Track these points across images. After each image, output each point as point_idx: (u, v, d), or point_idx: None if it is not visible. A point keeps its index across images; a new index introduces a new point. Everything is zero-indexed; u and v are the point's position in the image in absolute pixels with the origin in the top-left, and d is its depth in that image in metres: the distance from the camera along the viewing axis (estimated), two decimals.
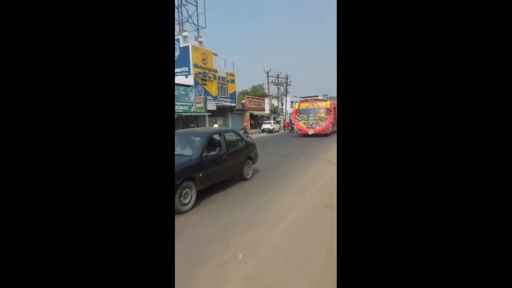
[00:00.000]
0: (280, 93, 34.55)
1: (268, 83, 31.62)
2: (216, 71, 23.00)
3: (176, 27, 22.19)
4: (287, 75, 33.10)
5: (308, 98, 20.98)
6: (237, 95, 26.46)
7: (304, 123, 18.66)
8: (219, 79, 23.38)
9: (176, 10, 22.16)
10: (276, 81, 32.39)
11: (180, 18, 22.27)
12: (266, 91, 34.38)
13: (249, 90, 41.91)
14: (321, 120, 18.09)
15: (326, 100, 19.15)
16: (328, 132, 18.09)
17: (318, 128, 18.05)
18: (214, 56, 23.04)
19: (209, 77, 22.19)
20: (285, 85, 33.35)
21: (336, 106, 18.00)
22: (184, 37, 21.02)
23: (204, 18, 32.84)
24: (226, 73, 24.40)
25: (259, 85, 43.28)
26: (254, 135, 21.52)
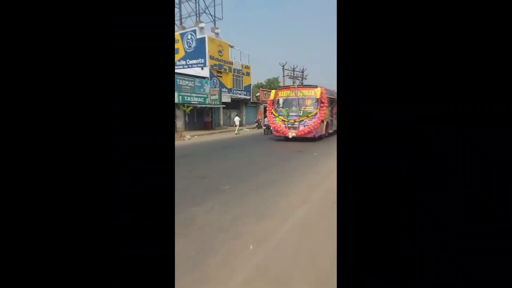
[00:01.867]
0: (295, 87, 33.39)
1: (283, 76, 31.31)
2: (231, 63, 22.94)
3: (193, 18, 22.18)
4: (303, 69, 32.42)
5: (290, 86, 14.36)
6: (252, 88, 26.31)
7: (283, 120, 12.24)
8: (234, 72, 23.25)
9: (193, 1, 22.12)
10: (292, 75, 31.99)
11: (197, 9, 22.23)
12: (281, 84, 33.66)
13: (264, 83, 41.60)
14: (307, 116, 11.70)
15: (315, 87, 12.18)
16: (318, 134, 11.97)
17: (302, 129, 11.73)
18: (230, 48, 22.93)
19: (225, 69, 22.11)
20: (300, 78, 32.91)
21: (332, 97, 13.14)
22: (201, 28, 21.00)
23: (221, 9, 32.49)
24: (242, 66, 24.27)
25: (274, 78, 42.74)
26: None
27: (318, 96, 11.84)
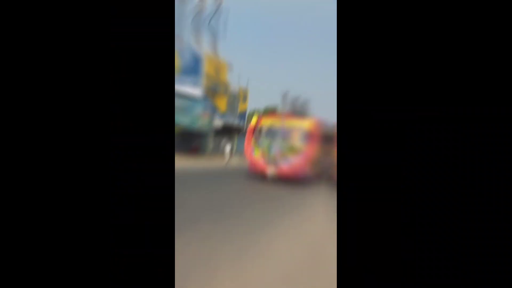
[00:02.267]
0: None
1: (283, 106, 29.70)
2: (228, 85, 21.07)
3: (193, 32, 21.06)
4: (304, 101, 30.97)
5: (277, 112, 11.73)
6: (247, 115, 23.85)
7: (262, 153, 9.60)
8: (230, 95, 21.29)
9: (195, 15, 20.99)
10: (293, 108, 30.29)
11: (199, 24, 21.34)
12: None
13: (261, 111, 39.91)
14: (292, 151, 9.28)
15: (305, 118, 10.28)
16: (302, 177, 9.16)
17: (284, 167, 9.03)
18: (228, 69, 21.21)
19: (219, 91, 20.23)
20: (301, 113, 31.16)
21: (331, 133, 10.43)
22: (199, 44, 20.16)
23: (225, 26, 31.42)
24: (239, 89, 22.33)
25: (273, 107, 40.79)
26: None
27: (309, 129, 9.33)
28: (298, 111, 10.18)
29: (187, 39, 20.29)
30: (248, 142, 10.19)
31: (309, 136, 9.39)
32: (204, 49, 19.96)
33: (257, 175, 9.54)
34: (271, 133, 10.03)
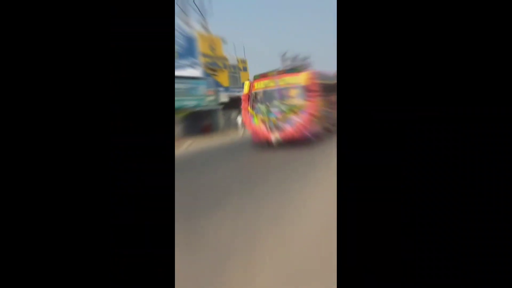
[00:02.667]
0: None
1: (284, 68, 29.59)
2: (226, 59, 21.05)
3: (180, 15, 21.38)
4: (305, 57, 30.61)
5: (268, 73, 9.85)
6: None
7: (262, 119, 8.88)
8: (230, 68, 21.37)
9: None
10: (293, 64, 30.17)
11: (183, 4, 21.29)
12: None
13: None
14: (293, 111, 8.45)
15: (300, 72, 8.76)
16: (309, 136, 8.33)
17: (288, 129, 8.33)
18: (222, 43, 21.18)
19: (219, 67, 20.34)
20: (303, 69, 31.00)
21: (327, 82, 9.75)
22: (189, 25, 20.24)
23: (210, 2, 31.19)
24: (238, 60, 22.30)
25: (275, 70, 40.22)
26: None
27: (305, 83, 8.37)
28: (299, 69, 8.91)
29: (176, 23, 20.07)
30: (245, 111, 9.54)
31: (307, 91, 8.42)
32: (195, 29, 19.83)
33: (262, 144, 8.92)
34: (267, 96, 9.11)
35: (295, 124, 8.31)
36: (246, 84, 9.70)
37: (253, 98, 9.39)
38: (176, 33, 20.01)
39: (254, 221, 3.37)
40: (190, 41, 19.69)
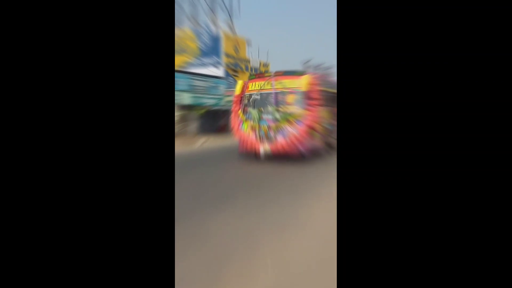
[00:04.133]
0: None
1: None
2: (248, 61, 21.15)
3: (208, 14, 21.43)
4: (329, 66, 30.79)
5: (265, 73, 8.88)
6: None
7: (252, 127, 7.52)
8: (251, 70, 21.10)
9: None
10: (316, 73, 30.28)
11: (212, 4, 21.46)
12: None
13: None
14: (288, 120, 7.09)
15: (301, 75, 7.39)
16: (303, 152, 7.08)
17: (280, 141, 7.02)
18: (247, 45, 21.36)
19: (241, 68, 20.30)
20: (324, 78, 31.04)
21: (332, 90, 8.32)
22: (216, 24, 20.24)
23: (239, 2, 31.51)
24: (260, 63, 22.22)
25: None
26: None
27: (305, 88, 7.06)
28: (300, 71, 7.63)
29: (203, 21, 20.18)
30: (235, 115, 8.07)
31: (307, 98, 7.09)
32: (221, 28, 19.85)
33: (249, 154, 7.62)
34: (261, 100, 7.79)
35: (288, 135, 6.97)
36: (239, 84, 8.31)
37: (245, 100, 8.10)
38: (202, 31, 20.15)
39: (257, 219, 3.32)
40: (215, 40, 19.74)
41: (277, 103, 7.41)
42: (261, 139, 7.27)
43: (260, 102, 7.77)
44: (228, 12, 21.86)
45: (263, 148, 7.12)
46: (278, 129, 7.11)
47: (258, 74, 8.61)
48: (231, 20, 21.63)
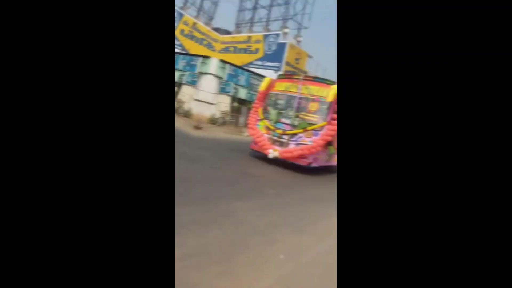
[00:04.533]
0: None
1: None
2: (306, 73, 21.88)
3: (279, 23, 22.53)
4: None
5: (294, 75, 8.38)
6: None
7: (268, 128, 7.29)
8: None
9: (283, 6, 22.54)
10: None
11: (285, 14, 22.58)
12: None
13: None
14: (305, 129, 6.75)
15: (330, 85, 6.78)
16: (313, 165, 6.82)
17: (292, 149, 6.70)
18: (308, 58, 22.41)
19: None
20: None
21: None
22: (285, 34, 21.21)
23: (309, 18, 32.24)
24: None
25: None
26: None
27: (331, 99, 6.51)
28: (331, 81, 7.10)
29: (274, 28, 20.99)
30: (255, 110, 7.85)
31: (331, 110, 6.56)
32: (288, 38, 20.68)
33: (260, 153, 7.34)
34: (284, 102, 7.47)
35: (302, 145, 6.65)
36: (265, 81, 8.03)
37: (268, 99, 7.87)
38: (271, 37, 21.22)
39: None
40: (280, 47, 20.66)
41: (299, 109, 7.08)
42: (273, 141, 7.08)
43: (282, 104, 7.48)
44: (298, 25, 22.74)
45: (272, 151, 6.83)
46: (292, 136, 6.89)
47: (288, 74, 8.59)
48: (299, 33, 22.55)
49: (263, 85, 7.98)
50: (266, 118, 7.50)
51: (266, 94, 7.89)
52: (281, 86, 7.73)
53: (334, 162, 7.54)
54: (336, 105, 6.47)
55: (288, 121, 7.15)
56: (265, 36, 22.39)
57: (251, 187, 4.93)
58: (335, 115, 6.54)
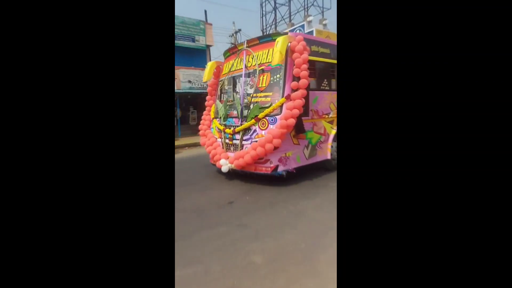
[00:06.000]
0: None
1: None
2: None
3: (301, 13, 22.32)
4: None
5: (239, 44, 5.17)
6: None
7: (218, 128, 4.98)
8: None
9: None
10: None
11: (306, 3, 22.34)
12: None
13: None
14: (257, 116, 4.22)
15: (279, 35, 4.14)
16: (290, 165, 4.31)
17: (242, 152, 4.32)
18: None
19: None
20: None
21: (324, 60, 4.80)
22: (309, 22, 21.02)
23: None
24: None
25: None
26: None
27: (279, 60, 4.07)
28: (277, 34, 4.54)
29: (297, 20, 20.73)
30: (208, 110, 5.79)
31: (287, 73, 4.27)
32: (314, 25, 20.38)
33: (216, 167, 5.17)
34: (230, 87, 5.21)
35: (257, 141, 4.28)
36: (208, 67, 5.64)
37: (220, 89, 5.56)
38: (296, 31, 21.14)
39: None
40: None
41: (247, 90, 4.71)
42: (226, 146, 4.88)
43: (229, 92, 5.21)
44: (321, 8, 22.22)
45: (224, 163, 4.61)
46: (245, 132, 4.53)
47: (231, 48, 5.50)
48: (323, 16, 22.00)
49: (206, 74, 5.61)
50: (216, 117, 5.36)
51: (216, 84, 5.75)
52: (228, 67, 5.41)
53: (325, 155, 5.00)
54: (293, 69, 4.20)
55: (235, 112, 4.83)
56: (291, 32, 21.87)
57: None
58: (297, 84, 4.11)
